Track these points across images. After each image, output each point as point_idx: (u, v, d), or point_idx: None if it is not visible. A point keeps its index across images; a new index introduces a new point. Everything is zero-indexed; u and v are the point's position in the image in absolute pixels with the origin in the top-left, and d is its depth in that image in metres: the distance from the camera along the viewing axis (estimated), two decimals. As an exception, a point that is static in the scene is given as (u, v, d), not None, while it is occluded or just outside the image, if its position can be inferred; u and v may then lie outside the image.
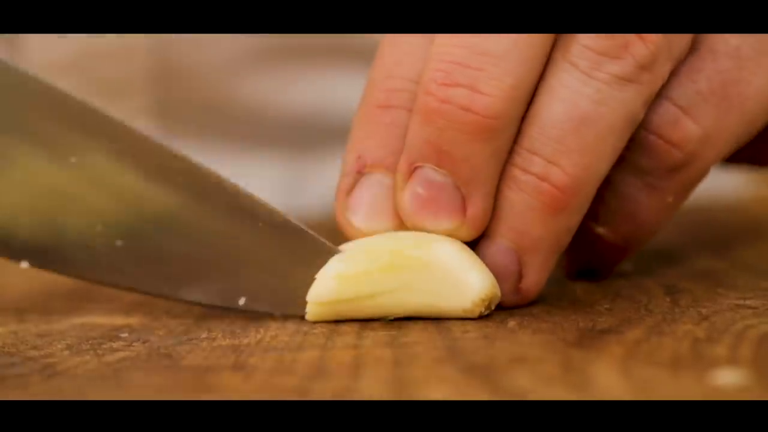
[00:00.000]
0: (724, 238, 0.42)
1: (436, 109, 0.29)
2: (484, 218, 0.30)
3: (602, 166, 0.30)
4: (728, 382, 0.24)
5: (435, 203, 0.30)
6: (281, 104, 0.55)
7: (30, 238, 0.31)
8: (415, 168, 0.30)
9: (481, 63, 0.29)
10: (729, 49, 0.31)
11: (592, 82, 0.29)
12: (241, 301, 0.31)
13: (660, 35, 0.29)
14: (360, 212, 0.31)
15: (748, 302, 0.31)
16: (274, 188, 0.57)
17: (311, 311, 0.31)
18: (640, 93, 0.29)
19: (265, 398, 0.25)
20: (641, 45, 0.29)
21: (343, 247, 0.31)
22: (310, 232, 0.31)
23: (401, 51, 0.31)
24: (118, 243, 0.31)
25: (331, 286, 0.31)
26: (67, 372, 0.27)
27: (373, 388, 0.25)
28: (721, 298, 0.32)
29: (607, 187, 0.31)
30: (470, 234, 0.30)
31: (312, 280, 0.31)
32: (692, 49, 0.31)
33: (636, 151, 0.31)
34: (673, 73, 0.31)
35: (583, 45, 0.29)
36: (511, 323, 0.30)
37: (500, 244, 0.30)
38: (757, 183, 0.56)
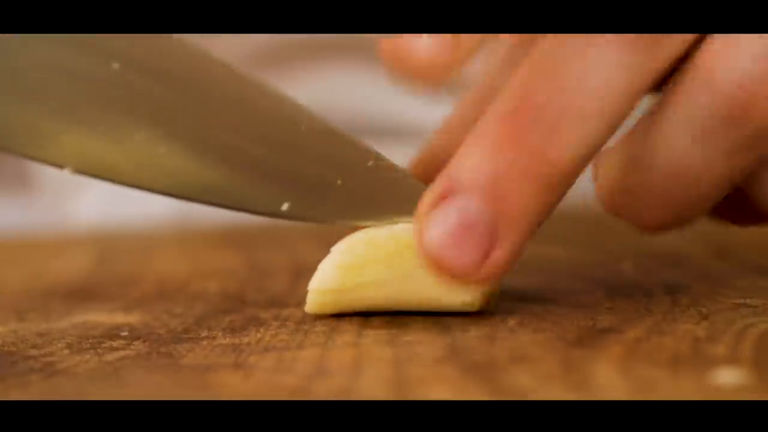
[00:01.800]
0: (725, 237, 0.42)
1: (507, 144, 0.27)
2: (505, 268, 0.28)
3: (693, 218, 0.30)
4: (728, 381, 0.24)
5: (462, 238, 0.27)
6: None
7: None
8: (452, 193, 0.27)
9: (566, 116, 0.27)
10: None
11: (703, 149, 0.28)
12: (284, 207, 0.30)
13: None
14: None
15: (748, 301, 0.31)
16: None
17: (312, 300, 0.31)
18: (753, 158, 0.28)
19: (265, 397, 0.25)
20: (762, 115, 0.28)
21: (344, 240, 0.31)
22: (352, 137, 0.30)
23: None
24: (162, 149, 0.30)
25: (333, 274, 0.31)
26: (67, 371, 0.27)
27: (373, 387, 0.25)
28: (721, 298, 0.32)
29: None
30: (481, 280, 0.28)
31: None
32: None
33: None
34: None
35: (701, 107, 0.28)
36: (512, 322, 0.30)
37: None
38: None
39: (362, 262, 0.31)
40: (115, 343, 0.30)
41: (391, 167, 0.31)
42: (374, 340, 0.29)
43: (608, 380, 0.24)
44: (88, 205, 0.58)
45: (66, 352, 0.29)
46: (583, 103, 0.27)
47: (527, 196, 0.27)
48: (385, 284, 0.31)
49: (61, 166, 0.29)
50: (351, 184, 0.30)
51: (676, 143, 0.28)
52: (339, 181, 0.30)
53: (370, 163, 0.30)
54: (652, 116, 0.29)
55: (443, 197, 0.27)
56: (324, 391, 0.25)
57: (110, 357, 0.29)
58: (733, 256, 0.39)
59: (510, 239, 0.27)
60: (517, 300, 0.32)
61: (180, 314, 0.33)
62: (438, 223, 0.27)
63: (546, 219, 0.28)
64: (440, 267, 0.28)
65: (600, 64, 0.27)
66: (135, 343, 0.30)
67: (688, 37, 0.28)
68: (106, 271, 0.45)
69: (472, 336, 0.29)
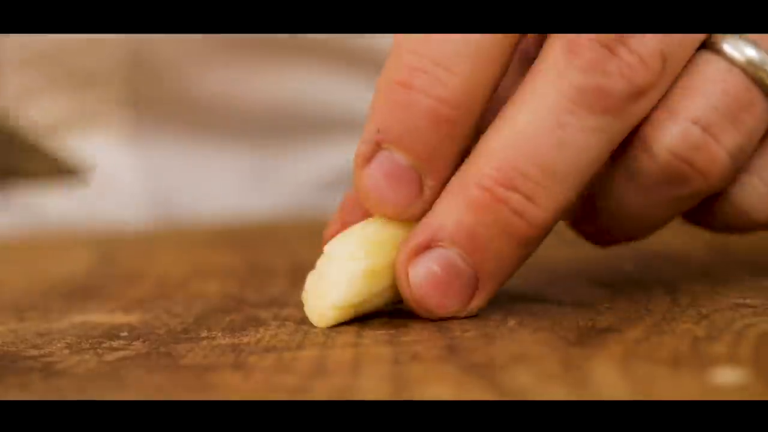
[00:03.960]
0: (724, 236, 0.42)
1: (488, 205, 0.29)
2: (477, 311, 0.30)
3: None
4: (728, 380, 0.24)
5: (447, 286, 0.30)
6: (249, 96, 0.56)
7: None
8: (435, 245, 0.29)
9: (543, 177, 0.29)
10: None
11: (646, 197, 0.30)
12: None
13: (728, 166, 0.30)
14: (376, 184, 0.30)
15: (747, 301, 0.31)
16: (243, 180, 0.57)
17: (331, 317, 0.30)
18: (697, 200, 0.31)
19: (264, 397, 0.25)
20: (703, 181, 0.30)
21: (332, 243, 0.31)
22: None
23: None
24: None
25: (353, 287, 0.30)
26: (67, 371, 0.27)
27: (372, 386, 0.25)
28: (720, 297, 0.32)
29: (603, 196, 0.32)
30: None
31: None
32: None
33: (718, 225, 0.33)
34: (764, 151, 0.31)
35: (642, 168, 0.30)
36: (511, 322, 0.30)
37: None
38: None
39: (377, 268, 0.30)
40: (114, 343, 0.30)
41: None
42: (374, 340, 0.29)
43: (608, 380, 0.24)
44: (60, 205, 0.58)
45: (66, 352, 0.29)
46: (561, 168, 0.29)
47: (505, 251, 0.29)
48: (393, 286, 0.30)
49: None
50: None
51: (623, 192, 0.31)
52: None
53: None
54: (607, 169, 0.31)
55: (427, 246, 0.30)
56: (324, 391, 0.25)
57: (110, 357, 0.29)
58: (732, 256, 0.39)
59: (487, 289, 0.30)
60: (517, 300, 0.32)
61: (180, 314, 0.33)
62: (422, 270, 0.30)
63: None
64: (425, 309, 0.30)
65: (577, 132, 0.29)
66: (135, 343, 0.30)
67: (653, 97, 0.29)
68: (106, 271, 0.45)
69: (472, 336, 0.29)
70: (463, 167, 0.30)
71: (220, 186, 0.58)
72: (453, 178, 0.30)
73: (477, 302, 0.30)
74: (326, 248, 0.31)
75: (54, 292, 0.39)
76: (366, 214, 0.31)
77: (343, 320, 0.30)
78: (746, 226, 0.32)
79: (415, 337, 0.29)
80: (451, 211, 0.29)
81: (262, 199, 0.57)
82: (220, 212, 0.58)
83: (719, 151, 0.30)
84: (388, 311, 0.31)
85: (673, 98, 0.30)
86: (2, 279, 0.44)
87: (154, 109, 0.56)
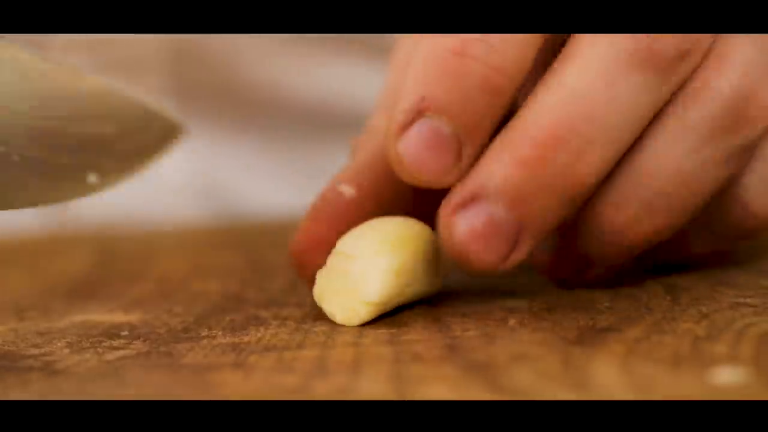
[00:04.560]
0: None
1: (538, 161, 0.29)
2: (518, 262, 0.30)
3: (683, 222, 0.31)
4: (728, 380, 0.24)
5: (489, 240, 0.29)
6: (294, 90, 0.55)
7: None
8: (479, 199, 0.29)
9: (594, 138, 0.29)
10: None
11: (696, 156, 0.30)
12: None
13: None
14: (413, 152, 0.30)
15: (748, 300, 0.31)
16: (284, 175, 0.57)
17: (363, 313, 0.30)
18: (737, 166, 0.31)
19: (265, 397, 0.25)
20: (761, 121, 0.30)
21: (345, 238, 0.31)
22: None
23: None
24: None
25: (388, 282, 0.30)
26: (67, 370, 0.27)
27: (373, 386, 0.25)
28: (721, 297, 0.32)
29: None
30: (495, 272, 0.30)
31: None
32: None
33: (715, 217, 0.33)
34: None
35: (700, 115, 0.30)
36: (512, 321, 0.30)
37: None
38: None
39: (404, 264, 0.30)
40: (115, 343, 0.30)
41: None
42: (374, 340, 0.29)
43: (608, 379, 0.24)
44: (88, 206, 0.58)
45: (66, 351, 0.29)
46: (609, 128, 0.29)
47: (549, 208, 0.29)
48: (417, 280, 0.31)
49: None
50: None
51: (673, 151, 0.30)
52: None
53: None
54: (649, 128, 0.30)
55: (472, 200, 0.29)
56: (324, 390, 0.25)
57: (110, 356, 0.29)
58: (733, 255, 0.39)
59: (528, 243, 0.30)
60: (517, 299, 0.32)
61: (180, 313, 0.33)
62: (466, 222, 0.29)
63: None
64: (465, 261, 0.30)
65: (626, 90, 0.29)
66: (135, 342, 0.30)
67: (698, 59, 0.30)
68: (107, 270, 0.45)
69: (472, 335, 0.29)
70: (511, 124, 0.30)
71: (263, 180, 0.58)
72: (498, 136, 0.30)
73: (516, 256, 0.30)
74: (341, 247, 0.31)
75: (54, 291, 0.39)
76: (348, 217, 0.31)
77: (373, 317, 0.30)
78: (745, 222, 0.32)
79: (416, 336, 0.29)
80: (499, 167, 0.29)
81: (303, 197, 0.56)
82: (262, 207, 0.57)
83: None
84: (389, 311, 0.31)
85: (722, 51, 0.30)
86: (2, 278, 0.44)
87: (197, 97, 0.56)
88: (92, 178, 0.31)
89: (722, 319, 0.29)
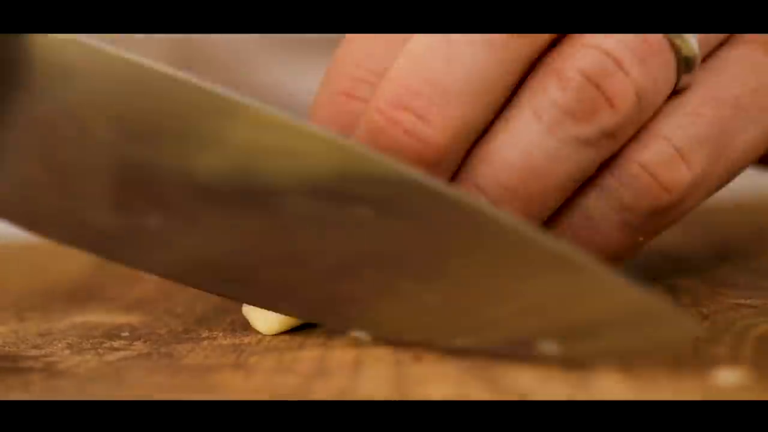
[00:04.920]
0: (725, 237, 0.42)
1: (382, 127, 0.29)
2: None
3: (543, 214, 0.30)
4: (729, 381, 0.24)
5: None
6: (295, 92, 0.55)
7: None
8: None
9: (434, 94, 0.28)
10: (730, 98, 0.30)
11: (551, 138, 0.29)
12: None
13: (634, 102, 0.29)
14: None
15: (749, 302, 0.31)
16: None
17: (278, 323, 0.30)
18: (597, 155, 0.29)
19: (265, 398, 0.25)
20: (610, 113, 0.29)
21: None
22: None
23: (374, 43, 0.30)
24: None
25: None
26: (68, 371, 0.27)
27: (373, 387, 0.25)
28: (721, 298, 0.32)
29: (578, 213, 0.31)
30: None
31: None
32: (692, 91, 0.30)
33: (623, 187, 0.30)
34: (671, 112, 0.30)
35: (551, 99, 0.29)
36: (512, 322, 0.30)
37: None
38: (759, 183, 0.56)
39: None
40: (115, 344, 0.30)
41: None
42: (374, 341, 0.29)
43: (609, 380, 0.24)
44: None
45: (67, 352, 0.29)
46: (452, 85, 0.28)
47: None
48: None
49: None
50: None
51: (527, 136, 0.29)
52: None
53: None
54: (506, 112, 0.29)
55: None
56: (324, 391, 0.25)
57: (111, 357, 0.29)
58: (733, 256, 0.39)
59: None
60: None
61: (181, 314, 0.33)
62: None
63: None
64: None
65: (464, 47, 0.28)
66: (136, 343, 0.30)
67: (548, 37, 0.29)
68: (107, 271, 0.45)
69: (473, 336, 0.29)
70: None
71: None
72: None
73: None
74: None
75: (55, 292, 0.39)
76: None
77: (294, 326, 0.30)
78: (656, 195, 0.30)
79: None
80: (358, 140, 0.29)
81: None
82: None
83: (627, 83, 0.29)
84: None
85: (584, 35, 0.29)
86: (3, 279, 0.44)
87: None
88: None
89: (723, 321, 0.29)
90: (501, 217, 0.26)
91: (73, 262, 0.47)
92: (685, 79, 0.30)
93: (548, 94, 0.29)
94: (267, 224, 0.28)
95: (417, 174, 0.27)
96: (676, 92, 0.30)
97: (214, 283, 0.29)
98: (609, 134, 0.29)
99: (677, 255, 0.39)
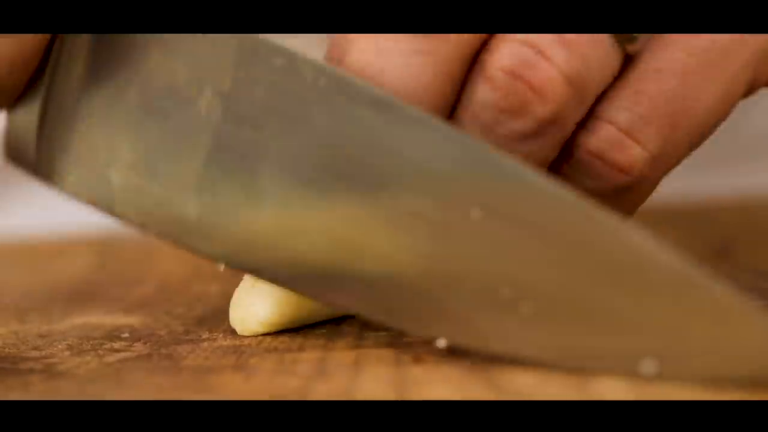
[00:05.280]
0: (726, 238, 0.42)
1: None
2: None
3: None
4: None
5: None
6: None
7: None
8: None
9: None
10: (675, 66, 0.29)
11: (494, 135, 0.28)
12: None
13: (564, 88, 0.28)
14: None
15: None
16: None
17: (260, 328, 0.30)
18: (546, 142, 0.29)
19: (266, 399, 0.25)
20: (541, 104, 0.28)
21: None
22: None
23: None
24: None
25: (281, 305, 0.30)
26: (68, 372, 0.27)
27: (374, 388, 0.25)
28: (721, 298, 0.31)
29: None
30: None
31: None
32: (633, 67, 0.30)
33: (580, 174, 0.30)
34: (613, 94, 0.30)
35: (482, 100, 0.28)
36: (512, 323, 0.30)
37: None
38: (759, 182, 0.56)
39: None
40: (116, 345, 0.30)
41: None
42: (375, 342, 0.29)
43: (609, 381, 0.24)
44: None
45: (67, 353, 0.29)
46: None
47: None
48: None
49: None
50: None
51: (471, 131, 0.29)
52: None
53: None
54: (453, 114, 0.29)
55: None
56: (325, 392, 0.25)
57: (111, 358, 0.29)
58: (732, 257, 0.39)
59: None
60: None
61: (181, 315, 0.33)
62: None
63: None
64: None
65: (397, 57, 0.28)
66: (136, 344, 0.30)
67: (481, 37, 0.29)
68: (107, 272, 0.45)
69: (473, 337, 0.29)
70: None
71: None
72: None
73: None
74: None
75: (55, 293, 0.39)
76: None
77: (271, 331, 0.31)
78: (614, 177, 0.30)
79: (416, 338, 0.29)
80: None
81: None
82: None
83: (552, 70, 0.28)
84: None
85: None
86: (3, 280, 0.44)
87: None
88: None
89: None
90: (612, 223, 0.25)
91: (74, 264, 0.47)
92: (632, 47, 0.29)
93: (479, 95, 0.28)
94: (372, 216, 0.28)
95: (533, 175, 0.26)
96: (630, 60, 0.29)
97: (298, 282, 0.29)
98: (550, 122, 0.28)
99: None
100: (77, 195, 0.31)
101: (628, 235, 0.25)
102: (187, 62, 0.29)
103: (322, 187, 0.28)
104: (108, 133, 0.30)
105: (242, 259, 0.29)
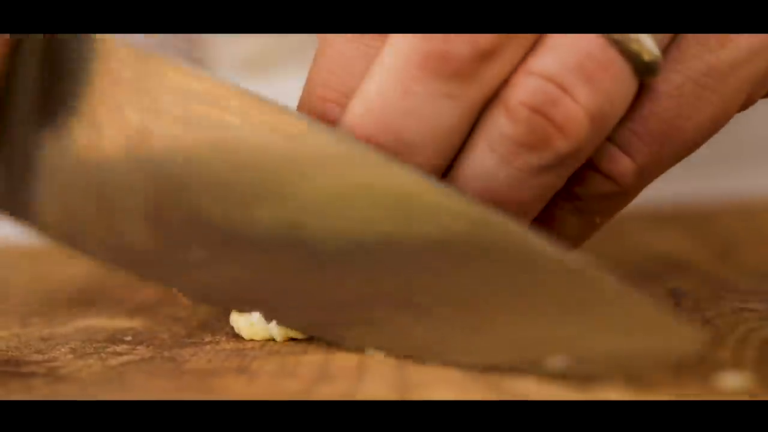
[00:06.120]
0: (728, 241, 0.42)
1: None
2: None
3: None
4: (732, 385, 0.24)
5: None
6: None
7: None
8: None
9: (400, 151, 0.28)
10: (671, 89, 0.29)
11: (509, 167, 0.28)
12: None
13: (586, 125, 0.28)
14: None
15: (751, 306, 0.31)
16: None
17: (262, 333, 0.30)
18: (562, 173, 0.29)
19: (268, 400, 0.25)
20: (563, 140, 0.28)
21: None
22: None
23: (334, 61, 0.30)
24: None
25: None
26: (71, 376, 0.27)
27: (376, 390, 0.25)
28: (724, 302, 0.32)
29: None
30: None
31: None
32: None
33: (569, 180, 0.30)
34: None
35: (502, 132, 0.28)
36: (515, 326, 0.30)
37: None
38: (760, 184, 0.56)
39: None
40: (118, 348, 0.30)
41: None
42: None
43: (610, 383, 0.24)
44: None
45: (69, 356, 0.29)
46: (413, 138, 0.28)
47: None
48: None
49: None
50: None
51: (487, 169, 0.29)
52: None
53: None
54: (466, 147, 0.29)
55: None
56: (327, 395, 0.25)
57: (114, 362, 0.29)
58: (735, 260, 0.39)
59: None
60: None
61: (183, 318, 0.33)
62: None
63: None
64: None
65: (425, 100, 0.28)
66: (138, 347, 0.30)
67: (507, 61, 0.28)
68: (110, 275, 0.45)
69: (476, 340, 0.29)
70: None
71: None
72: None
73: None
74: None
75: (58, 296, 0.39)
76: None
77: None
78: (596, 183, 0.30)
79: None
80: None
81: None
82: None
83: (576, 108, 0.28)
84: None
85: (528, 59, 0.28)
86: (6, 284, 0.44)
87: None
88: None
89: (725, 325, 0.29)
90: (507, 226, 0.26)
91: (76, 267, 0.47)
92: (649, 81, 0.29)
93: (498, 127, 0.28)
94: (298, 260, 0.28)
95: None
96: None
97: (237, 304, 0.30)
98: (568, 156, 0.28)
99: (678, 259, 0.39)
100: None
101: (527, 238, 0.26)
102: None
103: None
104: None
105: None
